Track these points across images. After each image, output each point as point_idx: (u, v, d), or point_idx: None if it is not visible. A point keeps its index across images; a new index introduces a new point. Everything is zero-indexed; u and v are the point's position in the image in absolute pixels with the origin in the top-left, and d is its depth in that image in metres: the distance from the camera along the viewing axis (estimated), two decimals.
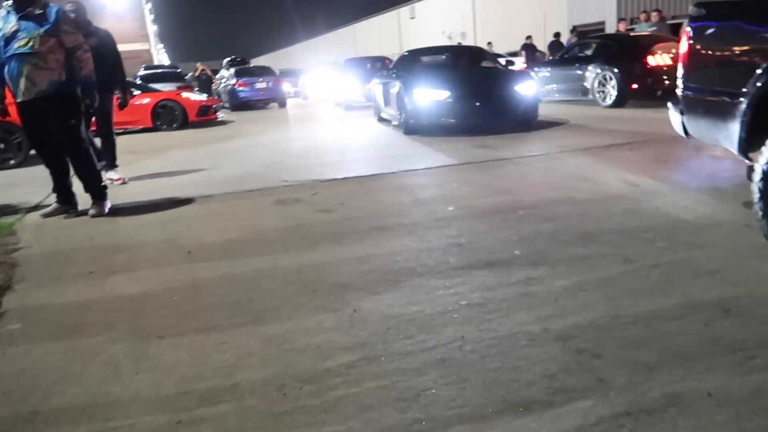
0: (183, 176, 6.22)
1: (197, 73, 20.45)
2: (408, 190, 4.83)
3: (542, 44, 24.69)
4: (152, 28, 49.53)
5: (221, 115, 13.62)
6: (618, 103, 10.39)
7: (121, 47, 24.64)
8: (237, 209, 4.57)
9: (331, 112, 14.79)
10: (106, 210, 4.57)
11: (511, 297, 2.65)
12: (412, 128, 7.80)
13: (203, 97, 13.31)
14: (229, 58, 26.12)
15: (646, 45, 10.47)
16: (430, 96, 7.35)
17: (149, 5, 44.28)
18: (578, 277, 2.82)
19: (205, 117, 12.89)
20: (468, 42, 36.16)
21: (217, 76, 23.93)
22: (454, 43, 38.07)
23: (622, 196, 4.26)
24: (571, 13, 28.37)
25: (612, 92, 10.47)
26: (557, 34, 18.78)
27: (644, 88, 10.18)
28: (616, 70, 10.38)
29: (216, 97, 21.56)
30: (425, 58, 9.43)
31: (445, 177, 5.29)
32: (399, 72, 8.70)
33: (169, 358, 2.29)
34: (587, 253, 3.12)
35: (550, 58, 14.96)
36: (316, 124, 12.04)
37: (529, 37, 20.58)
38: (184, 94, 12.84)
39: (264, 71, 19.75)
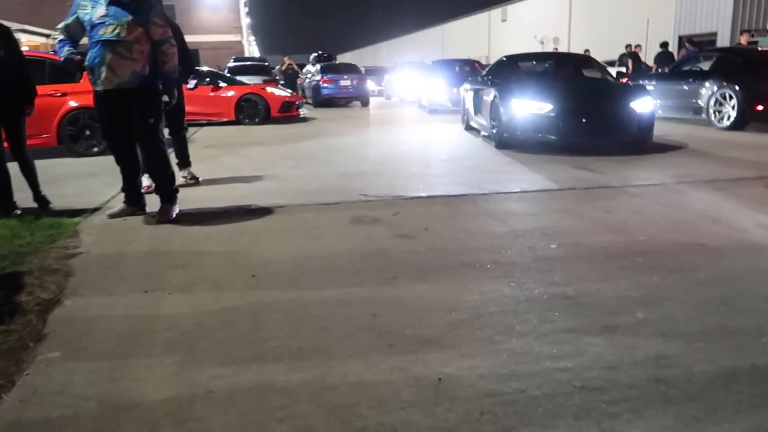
0: (257, 180, 5.90)
1: (284, 68, 20.54)
2: (502, 218, 4.25)
3: (644, 55, 23.13)
4: (245, 20, 50.97)
5: (303, 112, 13.44)
6: (737, 125, 9.28)
7: (214, 38, 25.51)
8: (310, 225, 4.15)
9: (414, 115, 14.30)
10: (174, 215, 4.27)
11: (640, 383, 2.06)
12: (505, 142, 7.16)
13: (287, 92, 13.16)
14: (315, 54, 26.18)
15: None
16: (530, 108, 6.68)
17: None
18: (727, 361, 2.18)
19: (288, 113, 12.73)
20: (561, 48, 34.65)
21: (303, 71, 24.03)
22: (547, 48, 36.64)
23: (765, 248, 3.50)
24: (678, 22, 26.46)
25: (731, 113, 9.37)
26: (665, 44, 17.39)
27: None
28: (737, 89, 9.26)
29: (300, 92, 21.67)
30: (525, 65, 8.70)
31: (544, 204, 4.66)
32: (494, 79, 8.05)
33: (216, 422, 1.86)
34: (734, 327, 2.47)
35: (658, 70, 13.74)
36: (399, 127, 11.57)
37: (629, 46, 19.21)
38: (269, 89, 12.73)
39: (349, 69, 19.54)
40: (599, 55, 23.51)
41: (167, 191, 4.29)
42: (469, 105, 9.21)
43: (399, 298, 2.86)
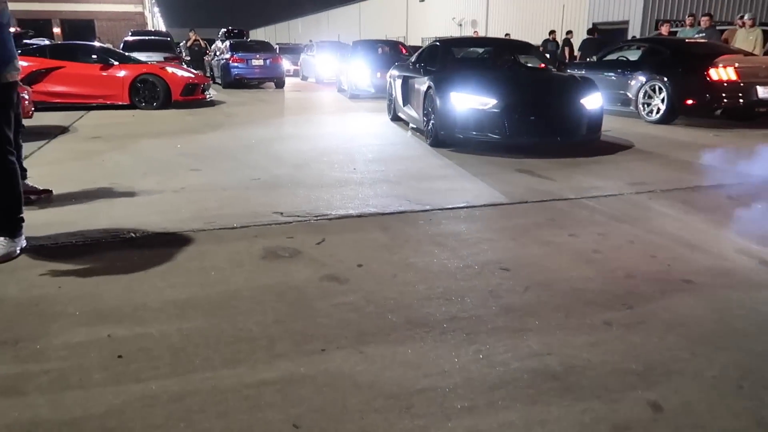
0: (144, 190, 4.76)
1: (189, 44, 18.78)
2: (451, 246, 3.45)
3: (559, 41, 23.19)
4: None
5: (210, 95, 12.08)
6: (666, 118, 9.05)
7: (112, 7, 23.06)
8: (208, 263, 3.15)
9: (334, 100, 13.28)
10: (17, 252, 3.14)
11: None
12: (441, 140, 6.36)
13: (191, 73, 11.73)
14: (225, 29, 24.33)
15: (707, 55, 9.08)
16: (471, 103, 5.90)
17: None
18: None
19: (191, 96, 11.35)
20: (480, 32, 34.50)
21: (211, 48, 22.24)
22: (466, 31, 36.39)
23: (757, 284, 2.96)
24: (592, 9, 26.83)
25: (660, 106, 9.11)
26: (592, 31, 17.26)
27: (702, 105, 8.82)
28: (667, 81, 9.00)
29: (208, 71, 19.98)
30: (460, 52, 7.90)
31: (497, 225, 3.90)
32: (427, 66, 7.20)
33: None
34: None
35: (586, 59, 13.45)
36: (319, 115, 10.52)
37: (553, 32, 19.07)
38: (170, 69, 11.26)
39: (262, 47, 18.16)
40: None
41: (10, 220, 3.15)
42: (398, 94, 8.36)
43: (330, 388, 2.00)
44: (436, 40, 7.89)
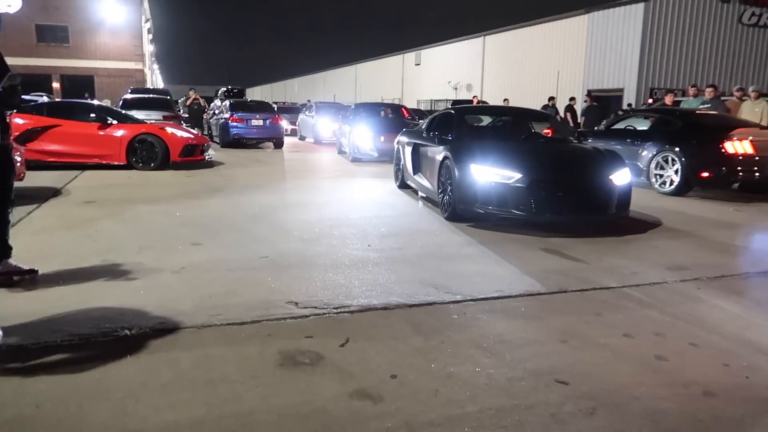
0: (140, 270, 4.30)
1: (189, 102, 18.70)
2: (493, 350, 3.00)
3: (561, 108, 23.44)
4: (149, 48, 48.04)
5: (209, 155, 11.79)
6: (680, 190, 8.79)
7: (112, 64, 23.09)
8: (215, 371, 2.68)
9: (335, 163, 13.02)
10: None
11: None
12: (458, 214, 6.00)
13: (190, 133, 11.47)
14: (225, 88, 24.44)
15: (720, 127, 8.93)
16: (493, 176, 5.56)
17: (149, 24, 42.88)
18: None
19: (191, 158, 11.04)
20: (474, 95, 35.08)
21: (210, 106, 22.23)
22: (461, 94, 36.98)
23: None
24: (587, 76, 27.35)
25: (674, 177, 8.87)
26: (596, 98, 17.35)
27: (718, 178, 8.59)
28: (681, 153, 8.80)
29: (206, 130, 19.85)
30: (472, 118, 7.65)
31: (539, 319, 3.47)
32: (441, 134, 6.92)
33: None
34: None
35: (594, 127, 13.36)
36: (322, 180, 10.19)
37: (552, 98, 19.21)
38: (169, 129, 10.99)
39: (261, 107, 18.07)
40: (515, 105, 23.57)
41: None
42: (407, 161, 8.06)
43: None
44: (450, 108, 7.65)
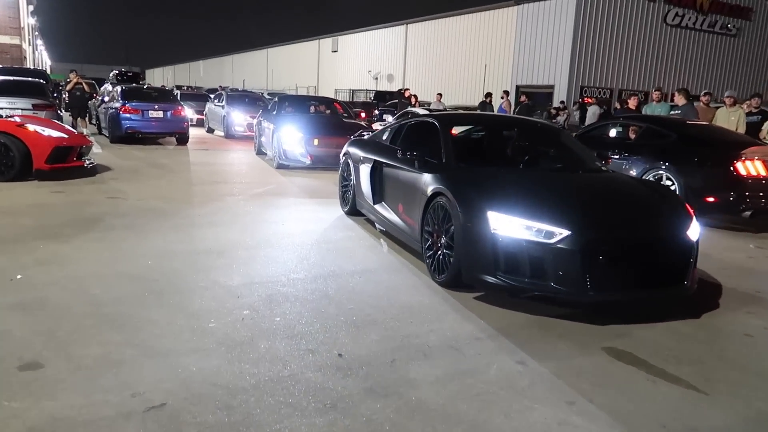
0: None
1: (70, 87, 15.41)
2: None
3: (475, 102, 22.07)
4: (29, 21, 42.23)
5: (91, 160, 9.10)
6: None
7: None
8: None
9: (256, 169, 10.63)
10: None
11: None
12: (461, 280, 4.04)
13: (63, 132, 8.69)
14: (117, 71, 20.99)
15: (726, 142, 7.59)
16: (524, 232, 3.61)
17: None
18: None
19: (63, 164, 8.34)
20: (407, 87, 33.31)
21: (100, 91, 18.93)
22: (382, 86, 35.07)
23: None
24: (516, 70, 26.32)
25: None
26: (526, 96, 15.98)
27: (725, 205, 7.21)
28: (678, 173, 7.36)
29: (95, 121, 16.67)
30: (460, 132, 5.60)
31: None
32: (421, 154, 4.82)
33: None
34: None
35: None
36: (243, 201, 7.81)
37: (489, 95, 17.71)
38: (32, 126, 8.21)
39: (161, 96, 15.24)
40: (429, 98, 21.89)
41: None
42: (363, 183, 6.02)
43: None
44: (428, 116, 5.58)
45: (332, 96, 36.14)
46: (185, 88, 34.43)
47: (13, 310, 3.52)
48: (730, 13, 27.76)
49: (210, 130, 19.04)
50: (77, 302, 3.69)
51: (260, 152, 12.35)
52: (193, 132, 16.52)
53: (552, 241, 3.59)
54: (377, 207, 5.71)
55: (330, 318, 3.59)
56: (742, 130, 9.85)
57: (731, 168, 7.09)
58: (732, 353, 3.44)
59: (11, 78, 14.02)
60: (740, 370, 3.22)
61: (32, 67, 28.24)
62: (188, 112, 17.18)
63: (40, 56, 56.42)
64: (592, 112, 18.66)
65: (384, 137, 6.17)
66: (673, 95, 10.79)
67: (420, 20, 34.48)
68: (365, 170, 5.95)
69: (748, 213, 7.30)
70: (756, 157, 7.12)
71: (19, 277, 4.12)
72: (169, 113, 14.13)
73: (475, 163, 4.77)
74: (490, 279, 3.79)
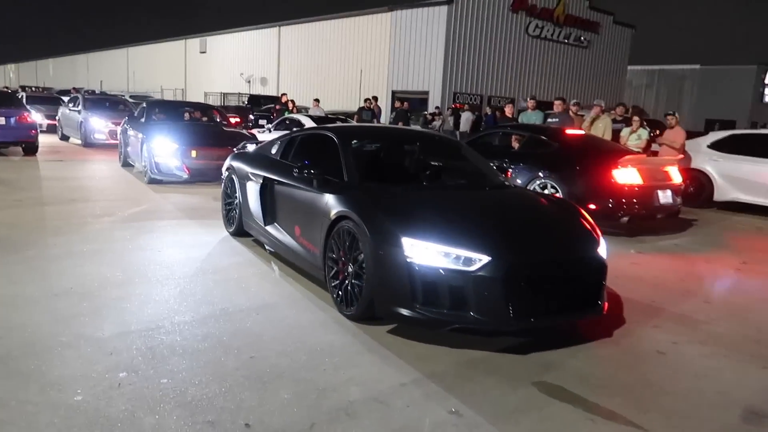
0: None
1: None
2: None
3: (353, 107, 22.00)
4: None
5: None
6: None
7: None
8: None
9: (124, 184, 9.48)
10: None
11: None
12: (373, 312, 3.67)
13: None
14: None
15: (606, 152, 7.93)
16: (441, 260, 3.33)
17: None
18: None
19: None
20: (269, 90, 32.35)
21: None
22: (256, 89, 33.86)
23: None
24: (391, 76, 26.55)
25: None
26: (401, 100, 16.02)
27: (604, 212, 7.50)
28: (560, 181, 7.58)
29: None
30: (361, 146, 5.14)
31: None
32: (319, 171, 4.35)
33: None
34: None
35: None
36: (109, 226, 6.79)
37: (369, 100, 17.55)
38: None
39: (3, 100, 13.30)
40: (306, 103, 21.46)
41: None
42: (251, 202, 5.43)
43: None
44: (323, 129, 5.11)
45: (202, 99, 34.35)
46: (33, 89, 30.88)
47: None
48: (582, 26, 30.15)
49: (64, 138, 17.09)
50: None
51: (126, 164, 11.13)
52: (45, 139, 14.69)
53: (472, 268, 3.32)
54: (269, 228, 5.17)
55: (229, 374, 3.04)
56: (608, 136, 10.47)
57: (610, 176, 7.41)
58: (653, 375, 3.39)
59: None
60: (666, 395, 3.15)
61: None
62: (37, 117, 15.28)
63: None
64: (466, 118, 19.32)
65: (273, 151, 5.63)
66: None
67: (293, 23, 33.76)
68: (254, 188, 5.38)
69: (625, 219, 7.68)
70: (630, 165, 7.51)
71: None
72: (12, 119, 12.33)
73: (379, 182, 4.41)
74: (407, 312, 3.45)
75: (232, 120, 14.67)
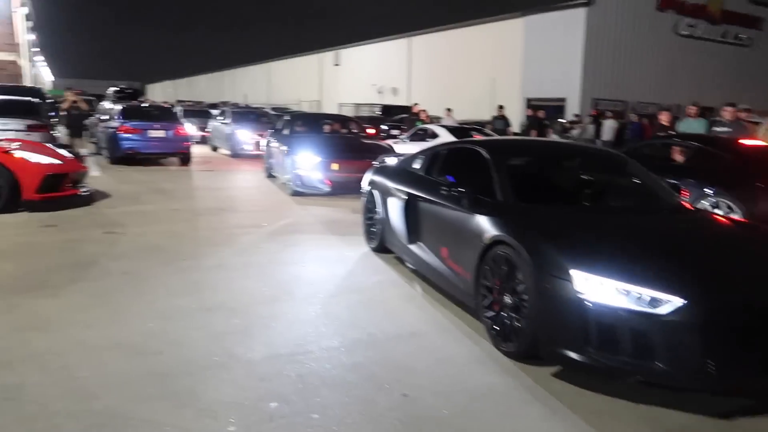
0: None
1: (67, 106, 14.67)
2: None
3: (484, 116, 21.34)
4: (27, 37, 41.71)
5: (87, 188, 8.34)
6: None
7: None
8: None
9: (268, 196, 9.82)
10: None
11: None
12: (536, 352, 3.26)
13: (55, 157, 7.92)
14: (116, 88, 20.29)
15: None
16: (621, 299, 2.86)
17: (24, 10, 36.90)
18: None
19: (55, 194, 7.59)
20: (400, 100, 32.67)
21: (97, 107, 18.21)
22: (387, 99, 34.41)
23: None
24: (525, 83, 25.65)
25: None
26: (535, 109, 15.32)
27: None
28: (734, 197, 6.61)
29: (91, 138, 15.95)
30: (517, 163, 4.74)
31: None
32: (470, 189, 4.01)
33: None
34: None
35: None
36: (257, 239, 7.04)
37: (502, 107, 17.01)
38: (19, 153, 7.46)
39: (162, 114, 14.52)
40: (440, 113, 21.18)
41: None
42: (394, 219, 5.25)
43: None
44: (472, 143, 4.82)
45: (335, 111, 35.55)
46: (187, 103, 33.79)
47: None
48: (742, 23, 27.19)
49: (214, 148, 18.34)
50: (58, 393, 2.91)
51: (270, 175, 11.55)
52: (197, 150, 15.81)
53: (661, 311, 2.81)
54: (412, 247, 4.94)
55: (382, 415, 2.80)
56: None
57: None
58: None
59: (2, 98, 13.33)
60: None
61: (27, 85, 27.52)
62: (191, 129, 16.45)
63: (39, 72, 55.97)
64: (609, 126, 17.96)
65: (416, 166, 5.41)
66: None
67: (424, 32, 33.92)
68: (397, 204, 5.19)
69: None
70: None
71: None
72: (170, 132, 13.43)
73: (537, 202, 3.99)
74: (578, 357, 3.01)
75: (369, 131, 14.83)
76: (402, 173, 5.51)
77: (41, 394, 2.89)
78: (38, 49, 56.93)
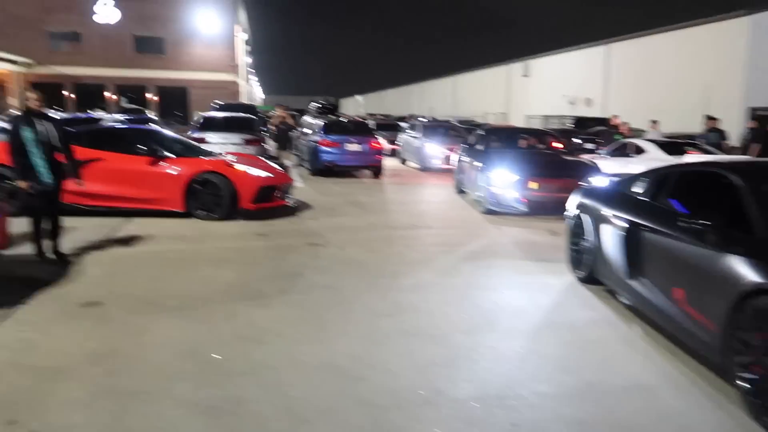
0: None
1: (277, 122, 16.07)
2: None
3: (698, 127, 18.87)
4: (245, 59, 47.19)
5: (292, 200, 8.93)
6: None
7: (206, 75, 21.66)
8: None
9: (460, 213, 9.58)
10: None
11: None
12: None
13: (267, 171, 8.60)
14: (318, 104, 21.84)
15: None
16: None
17: (245, 35, 41.83)
18: None
19: (266, 203, 8.23)
20: (594, 112, 30.68)
21: (300, 120, 19.70)
22: (580, 111, 32.60)
23: None
24: (748, 91, 22.45)
25: None
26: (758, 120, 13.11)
27: None
28: None
29: (294, 150, 17.28)
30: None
31: None
32: (712, 221, 3.34)
33: None
34: None
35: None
36: (451, 251, 6.83)
37: (713, 119, 14.93)
38: (239, 166, 8.22)
39: (358, 129, 15.19)
40: (642, 124, 19.20)
41: None
42: (614, 250, 4.66)
43: None
44: (718, 166, 4.11)
45: (523, 123, 34.57)
46: (379, 116, 35.37)
47: (202, 412, 2.89)
48: None
49: (403, 161, 18.79)
50: (273, 412, 2.95)
51: (460, 191, 11.40)
52: (387, 163, 16.29)
53: None
54: (632, 282, 4.34)
55: None
56: None
57: None
58: None
59: (224, 115, 15.02)
60: None
61: (243, 102, 30.95)
62: (383, 142, 16.99)
63: (253, 90, 63.10)
64: None
65: (638, 189, 4.79)
66: None
67: (624, 39, 31.49)
68: (613, 232, 4.63)
69: None
70: None
71: (219, 357, 3.56)
72: (365, 146, 14.01)
73: None
74: None
75: (555, 144, 13.89)
76: (620, 197, 4.92)
77: (257, 412, 2.95)
78: (253, 70, 64.28)
